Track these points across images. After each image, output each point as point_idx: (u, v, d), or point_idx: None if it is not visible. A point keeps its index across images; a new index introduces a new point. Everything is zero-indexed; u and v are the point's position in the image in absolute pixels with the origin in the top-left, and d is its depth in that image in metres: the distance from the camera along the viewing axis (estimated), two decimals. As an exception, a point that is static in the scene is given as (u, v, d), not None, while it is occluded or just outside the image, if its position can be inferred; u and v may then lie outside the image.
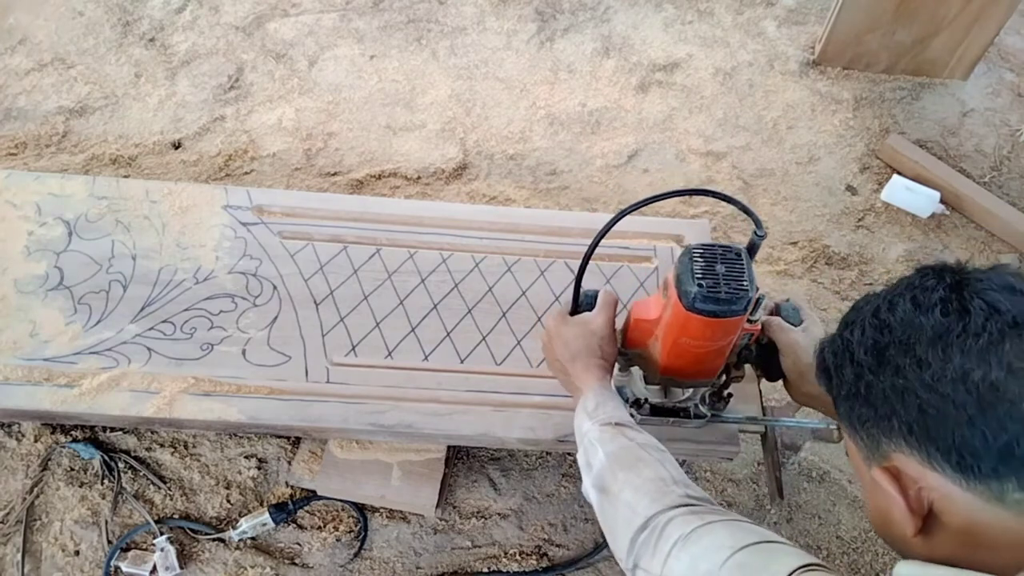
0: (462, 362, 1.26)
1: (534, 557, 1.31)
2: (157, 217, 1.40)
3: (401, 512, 1.33)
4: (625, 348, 1.03)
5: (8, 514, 1.29)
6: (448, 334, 1.29)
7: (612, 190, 1.87)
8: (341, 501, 1.33)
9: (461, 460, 1.41)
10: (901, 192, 1.88)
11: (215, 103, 1.98)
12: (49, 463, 1.35)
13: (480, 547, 1.32)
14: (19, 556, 1.25)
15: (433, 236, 1.41)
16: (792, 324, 1.01)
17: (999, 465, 0.53)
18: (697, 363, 0.95)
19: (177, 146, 1.90)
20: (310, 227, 1.41)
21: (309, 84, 2.05)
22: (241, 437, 1.40)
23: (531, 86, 2.09)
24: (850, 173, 1.95)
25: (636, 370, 1.09)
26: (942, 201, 1.88)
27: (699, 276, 0.84)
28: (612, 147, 1.96)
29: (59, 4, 2.18)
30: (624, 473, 0.83)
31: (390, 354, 1.26)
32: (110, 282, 1.31)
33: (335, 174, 1.86)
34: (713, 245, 0.87)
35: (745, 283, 0.84)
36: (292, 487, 1.35)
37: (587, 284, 1.02)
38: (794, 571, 0.61)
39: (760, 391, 1.24)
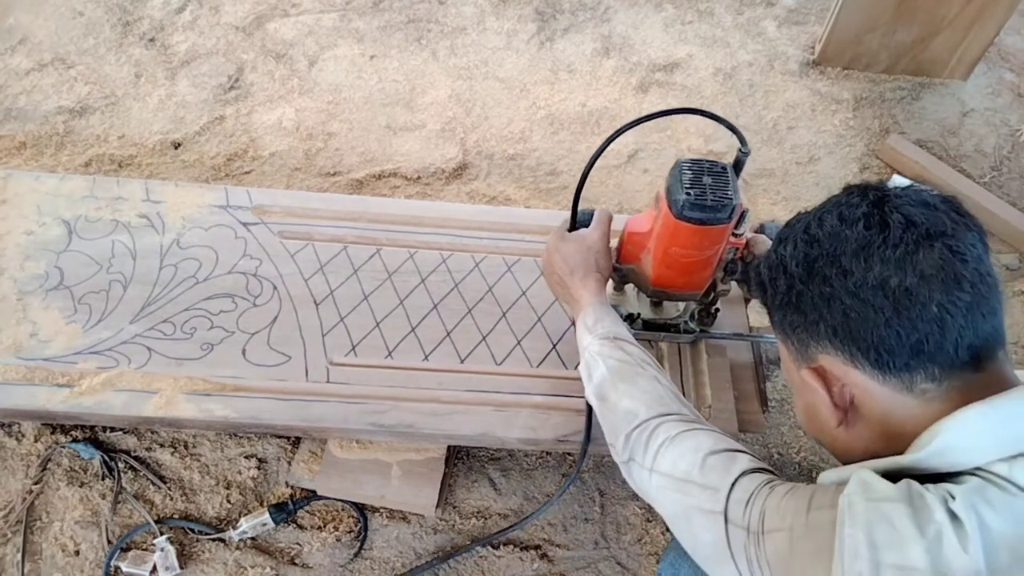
0: (462, 362, 1.26)
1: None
2: (157, 217, 1.40)
3: (401, 512, 1.33)
4: (620, 263, 1.09)
5: (8, 514, 1.29)
6: (448, 334, 1.29)
7: (612, 190, 1.87)
8: (341, 501, 1.33)
9: (461, 460, 1.40)
10: (901, 192, 1.87)
11: (215, 103, 1.98)
12: (49, 463, 1.35)
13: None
14: (19, 556, 1.25)
15: (433, 236, 1.41)
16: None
17: (911, 360, 0.61)
18: (686, 274, 1.02)
19: (177, 146, 1.90)
20: (310, 227, 1.41)
21: (309, 84, 2.05)
22: (241, 437, 1.40)
23: (531, 86, 2.09)
24: (850, 173, 1.95)
25: (630, 289, 1.16)
26: (942, 201, 1.87)
27: (687, 186, 0.91)
28: (612, 147, 1.94)
29: (59, 4, 2.18)
30: (623, 385, 0.91)
31: (390, 354, 1.26)
32: (110, 282, 1.31)
33: (335, 174, 1.86)
34: (701, 160, 0.95)
35: (730, 193, 0.92)
36: (292, 487, 1.35)
37: None
38: (744, 472, 0.73)
39: (747, 313, 1.31)
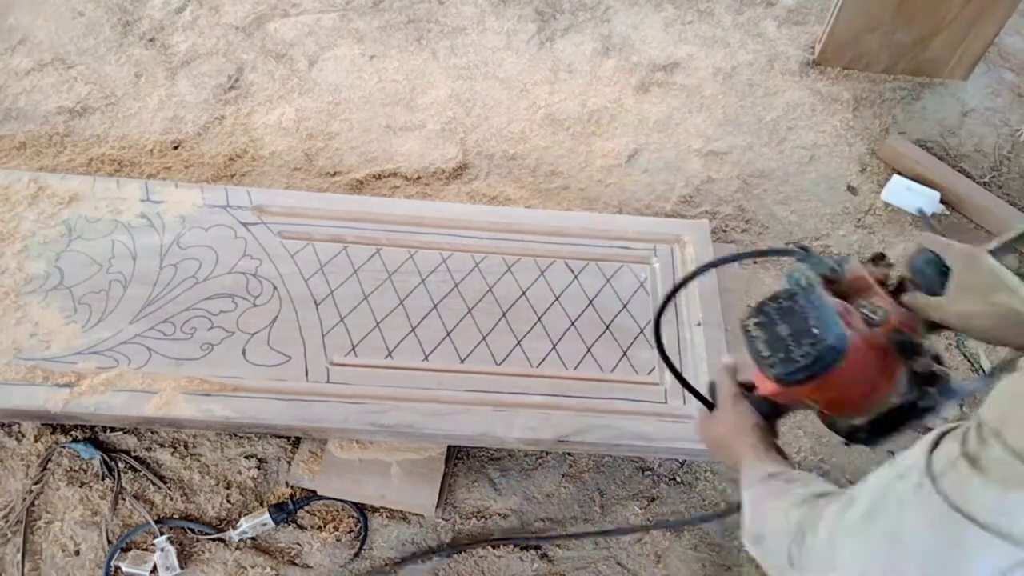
0: (462, 362, 1.26)
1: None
2: (157, 217, 1.40)
3: (401, 512, 1.33)
4: (780, 412, 0.90)
5: (8, 514, 1.29)
6: (448, 334, 1.29)
7: (612, 190, 1.87)
8: (341, 501, 1.33)
9: (461, 460, 1.40)
10: (901, 192, 1.88)
11: (215, 103, 1.98)
12: (49, 463, 1.35)
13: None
14: (19, 556, 1.25)
15: (433, 236, 1.41)
16: (935, 293, 0.80)
17: None
18: (853, 405, 0.81)
19: (177, 146, 1.90)
20: (310, 227, 1.41)
21: (309, 84, 2.05)
22: (241, 437, 1.40)
23: (531, 86, 2.09)
24: (850, 173, 1.95)
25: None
26: (942, 201, 1.87)
27: (766, 354, 0.75)
28: (612, 147, 1.96)
29: (59, 4, 2.18)
30: (771, 501, 0.77)
31: (390, 354, 1.26)
32: (110, 282, 1.31)
33: (335, 174, 1.86)
34: (763, 304, 0.77)
35: (816, 331, 0.72)
36: (292, 487, 1.35)
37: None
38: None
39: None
